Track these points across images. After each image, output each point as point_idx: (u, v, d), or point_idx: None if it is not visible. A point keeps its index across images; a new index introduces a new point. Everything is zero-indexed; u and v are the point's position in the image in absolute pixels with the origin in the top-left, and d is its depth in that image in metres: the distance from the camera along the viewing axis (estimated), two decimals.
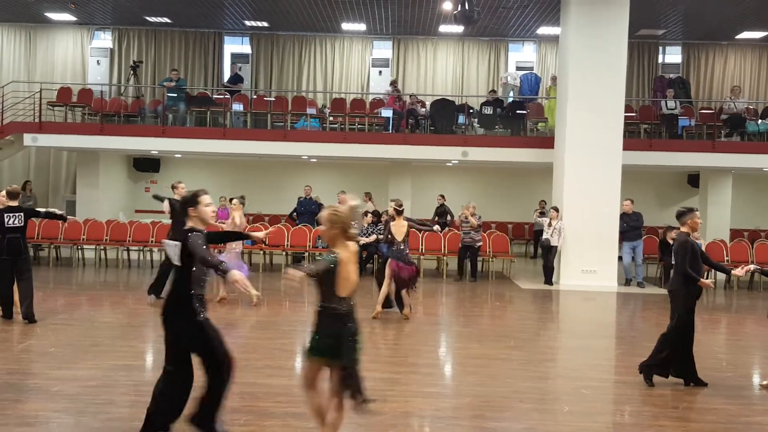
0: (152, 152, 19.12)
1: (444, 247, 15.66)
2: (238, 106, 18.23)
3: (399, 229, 10.22)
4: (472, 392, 6.62)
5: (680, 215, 7.27)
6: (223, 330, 9.13)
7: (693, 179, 19.70)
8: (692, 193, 19.77)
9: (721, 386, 7.08)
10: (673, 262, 7.29)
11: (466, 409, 6.13)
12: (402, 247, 10.18)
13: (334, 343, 4.63)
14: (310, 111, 18.23)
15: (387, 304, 10.36)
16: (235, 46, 21.03)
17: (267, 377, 6.80)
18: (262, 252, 15.87)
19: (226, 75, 20.01)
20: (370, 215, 15.70)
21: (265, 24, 19.70)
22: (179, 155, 19.80)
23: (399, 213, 10.35)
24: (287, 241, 15.67)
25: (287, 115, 17.94)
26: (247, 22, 19.59)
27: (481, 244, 14.95)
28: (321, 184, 18.85)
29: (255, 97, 19.25)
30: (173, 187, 11.13)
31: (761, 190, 18.64)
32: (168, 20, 19.59)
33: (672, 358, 7.00)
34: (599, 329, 10.42)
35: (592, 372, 7.67)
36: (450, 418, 5.84)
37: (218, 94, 18.48)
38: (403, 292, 10.20)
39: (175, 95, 17.71)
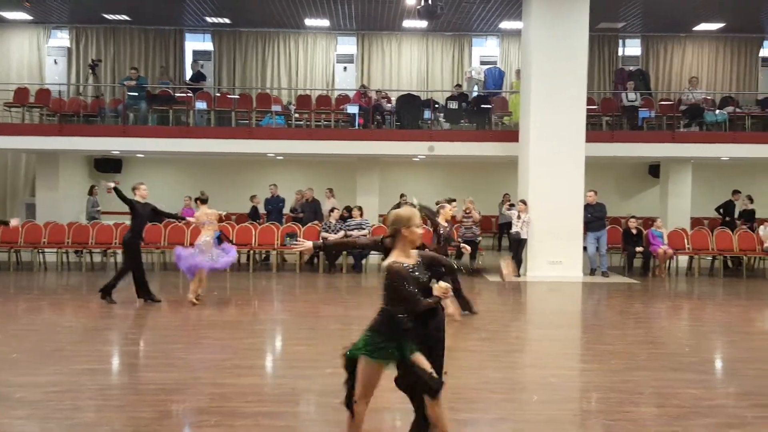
0: (113, 152, 18.81)
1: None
2: (201, 104, 18.01)
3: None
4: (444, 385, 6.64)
5: None
6: (192, 330, 9.09)
7: (654, 169, 20.05)
8: (653, 183, 20.13)
9: (686, 371, 7.22)
10: None
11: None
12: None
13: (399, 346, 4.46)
14: (276, 108, 18.11)
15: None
16: (196, 43, 20.78)
17: (237, 377, 6.74)
18: None
19: (188, 73, 19.76)
20: (336, 211, 15.67)
21: (227, 20, 19.50)
22: (142, 155, 19.51)
23: (437, 213, 9.88)
24: (254, 239, 15.56)
25: (252, 113, 17.79)
26: (209, 19, 19.36)
27: (481, 239, 15.04)
28: (287, 182, 18.74)
29: (218, 94, 19.05)
30: (134, 189, 11.00)
31: (720, 178, 19.03)
32: (127, 18, 19.26)
33: None
34: (566, 319, 10.55)
35: (559, 361, 7.77)
36: None
37: (180, 92, 18.24)
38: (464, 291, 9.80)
39: (136, 94, 17.44)
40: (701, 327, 10.25)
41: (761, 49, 20.60)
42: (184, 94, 17.96)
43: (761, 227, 15.55)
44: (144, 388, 6.40)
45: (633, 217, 15.76)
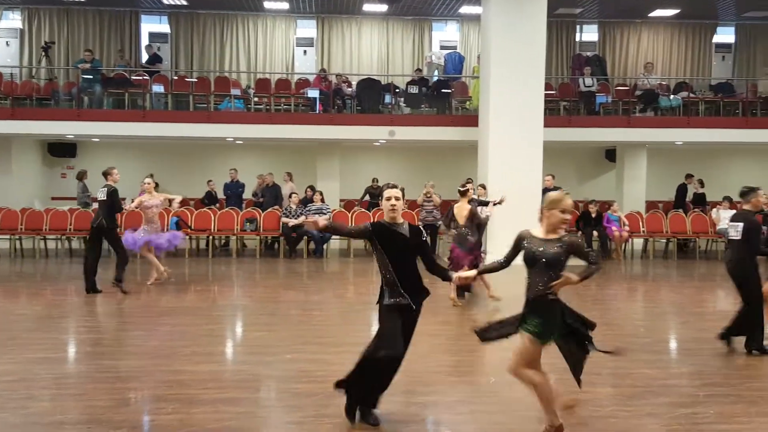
0: (68, 136, 18.38)
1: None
2: (158, 88, 17.68)
3: (461, 212, 9.88)
4: (402, 369, 6.68)
5: (744, 194, 7.41)
6: (150, 317, 8.98)
7: (610, 154, 20.38)
8: (610, 167, 20.46)
9: (640, 351, 7.40)
10: (734, 238, 7.29)
11: (397, 385, 6.17)
12: (464, 230, 9.77)
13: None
14: (234, 92, 17.89)
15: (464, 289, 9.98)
16: (152, 25, 20.35)
17: (195, 364, 6.69)
18: (187, 237, 15.52)
19: (144, 55, 19.36)
20: (296, 196, 15.60)
21: (184, 2, 19.11)
22: (97, 139, 19.10)
23: (463, 194, 9.97)
24: (213, 225, 15.40)
25: (210, 96, 17.54)
26: (165, 1, 18.96)
27: (441, 223, 15.11)
28: (247, 166, 18.57)
29: (176, 78, 18.73)
30: (107, 174, 10.73)
31: (674, 163, 19.43)
32: None
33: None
34: (524, 302, 10.68)
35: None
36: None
37: (136, 76, 17.88)
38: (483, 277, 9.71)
39: (91, 77, 17.04)
40: (655, 308, 10.50)
41: (714, 35, 21.01)
42: (141, 77, 17.61)
43: (713, 210, 15.96)
44: (100, 376, 6.31)
45: (593, 201, 16.02)
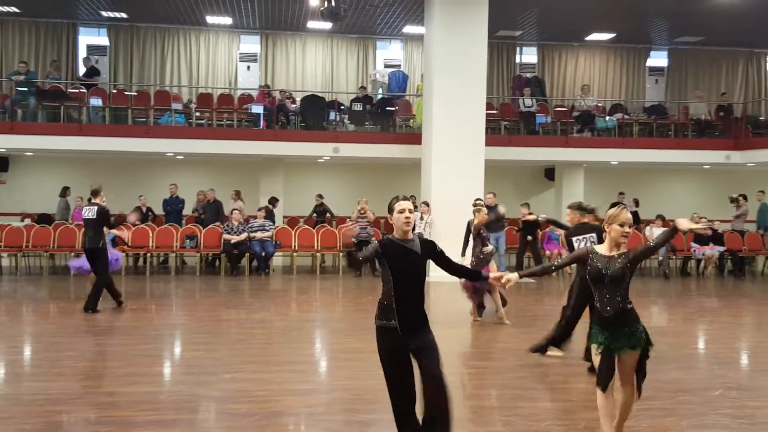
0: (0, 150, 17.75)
1: (317, 243, 15.66)
2: (96, 101, 17.28)
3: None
4: (344, 386, 6.68)
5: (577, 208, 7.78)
6: (83, 337, 8.70)
7: (549, 173, 20.84)
8: (549, 185, 20.92)
9: (576, 366, 7.54)
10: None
11: (338, 403, 6.17)
12: (486, 253, 9.84)
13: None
14: (176, 106, 17.62)
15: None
16: (91, 37, 19.90)
17: (129, 385, 6.50)
18: (125, 254, 15.13)
19: (82, 68, 18.90)
20: (237, 212, 15.44)
21: (124, 15, 18.78)
22: (30, 153, 18.49)
23: (478, 212, 9.99)
24: (152, 241, 15.07)
25: (150, 110, 17.23)
26: (104, 13, 18.59)
27: (375, 238, 15.16)
28: (189, 182, 18.26)
29: (114, 91, 18.34)
30: (97, 194, 10.47)
31: (609, 182, 19.97)
32: (16, 9, 18.20)
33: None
34: (467, 318, 10.79)
35: (459, 359, 7.95)
36: (322, 414, 5.85)
37: (73, 88, 17.43)
38: (494, 294, 9.80)
39: (25, 89, 16.54)
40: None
41: (648, 59, 21.81)
42: (77, 90, 17.18)
43: (647, 228, 16.48)
44: (30, 398, 6.07)
45: (526, 204, 16.29)
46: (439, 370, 4.50)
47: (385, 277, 4.53)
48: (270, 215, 16.21)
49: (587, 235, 7.46)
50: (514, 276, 4.84)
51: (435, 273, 15.30)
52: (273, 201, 16.75)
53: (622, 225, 4.76)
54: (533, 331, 9.46)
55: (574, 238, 7.48)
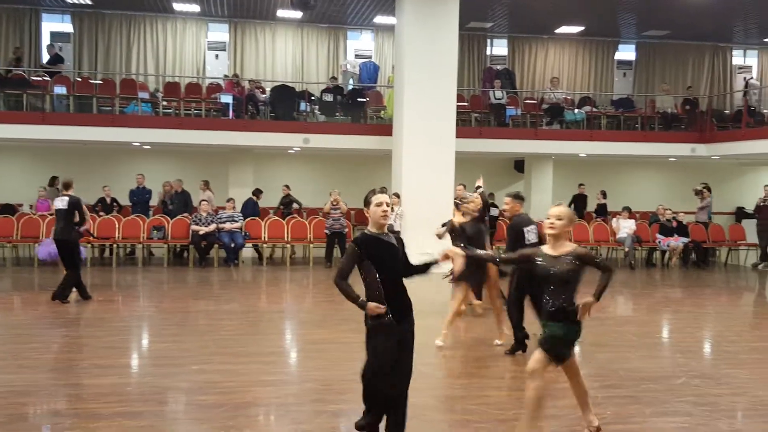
0: None
1: (287, 234, 15.59)
2: (60, 89, 16.92)
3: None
4: (313, 377, 6.67)
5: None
6: (47, 329, 8.55)
7: (519, 165, 21.01)
8: (518, 177, 21.08)
9: None
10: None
11: (308, 394, 6.16)
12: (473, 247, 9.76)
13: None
14: (142, 95, 17.33)
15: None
16: (54, 24, 19.47)
17: (95, 377, 6.41)
18: (90, 245, 14.91)
19: (45, 55, 18.50)
20: (205, 203, 15.29)
21: (88, 1, 18.40)
22: None
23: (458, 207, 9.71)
24: (118, 233, 14.85)
25: (115, 99, 16.94)
26: None
27: (348, 230, 15.17)
28: (156, 173, 18.01)
29: (79, 79, 17.99)
30: (70, 186, 10.29)
31: (578, 174, 20.19)
32: None
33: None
34: (434, 308, 10.81)
35: (428, 350, 7.97)
36: (291, 404, 5.83)
37: (36, 76, 17.06)
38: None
39: None
40: None
41: (616, 52, 22.05)
42: (41, 78, 16.81)
43: (614, 219, 16.70)
44: None
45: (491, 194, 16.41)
46: (410, 368, 4.69)
47: (368, 274, 4.57)
48: (254, 208, 16.11)
49: (532, 227, 7.55)
50: (460, 252, 4.87)
51: None
52: (257, 193, 16.61)
53: (548, 217, 4.85)
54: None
55: (525, 229, 7.51)
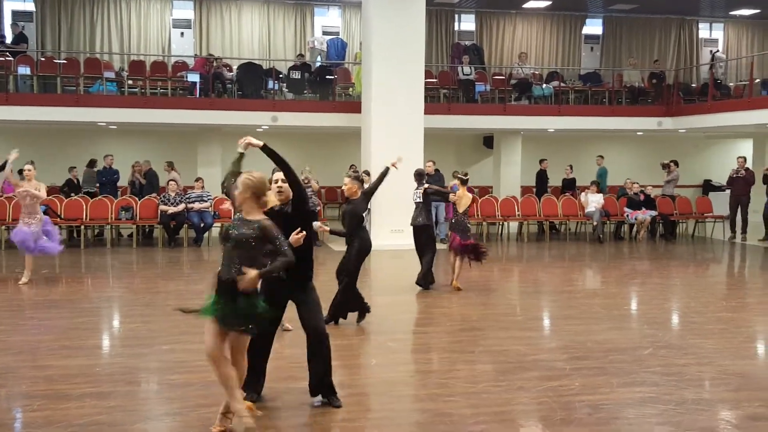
0: None
1: None
2: (23, 69, 16.53)
3: (463, 200, 10.00)
4: (281, 355, 6.68)
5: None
6: (14, 311, 8.44)
7: (488, 140, 21.08)
8: (487, 153, 21.18)
9: (512, 329, 7.75)
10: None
11: (277, 371, 6.17)
12: (462, 219, 10.00)
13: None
14: (107, 74, 17.01)
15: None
16: (16, 2, 18.98)
17: (63, 359, 6.36)
18: (58, 227, 14.65)
19: (8, 35, 18.02)
20: (173, 183, 15.12)
21: None
22: None
23: (464, 183, 10.13)
24: (85, 214, 14.65)
25: (80, 79, 16.60)
26: None
27: (320, 208, 15.19)
28: (123, 153, 17.76)
29: (42, 59, 17.59)
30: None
31: (546, 149, 20.34)
32: None
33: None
34: (406, 285, 10.89)
35: (398, 326, 8.06)
36: None
37: None
38: (457, 262, 10.05)
39: None
40: (527, 288, 11.01)
41: (584, 27, 22.14)
42: (3, 58, 16.40)
43: (582, 194, 16.87)
44: None
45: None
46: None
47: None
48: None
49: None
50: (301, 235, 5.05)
51: (376, 242, 15.34)
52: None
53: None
54: (472, 296, 9.66)
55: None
